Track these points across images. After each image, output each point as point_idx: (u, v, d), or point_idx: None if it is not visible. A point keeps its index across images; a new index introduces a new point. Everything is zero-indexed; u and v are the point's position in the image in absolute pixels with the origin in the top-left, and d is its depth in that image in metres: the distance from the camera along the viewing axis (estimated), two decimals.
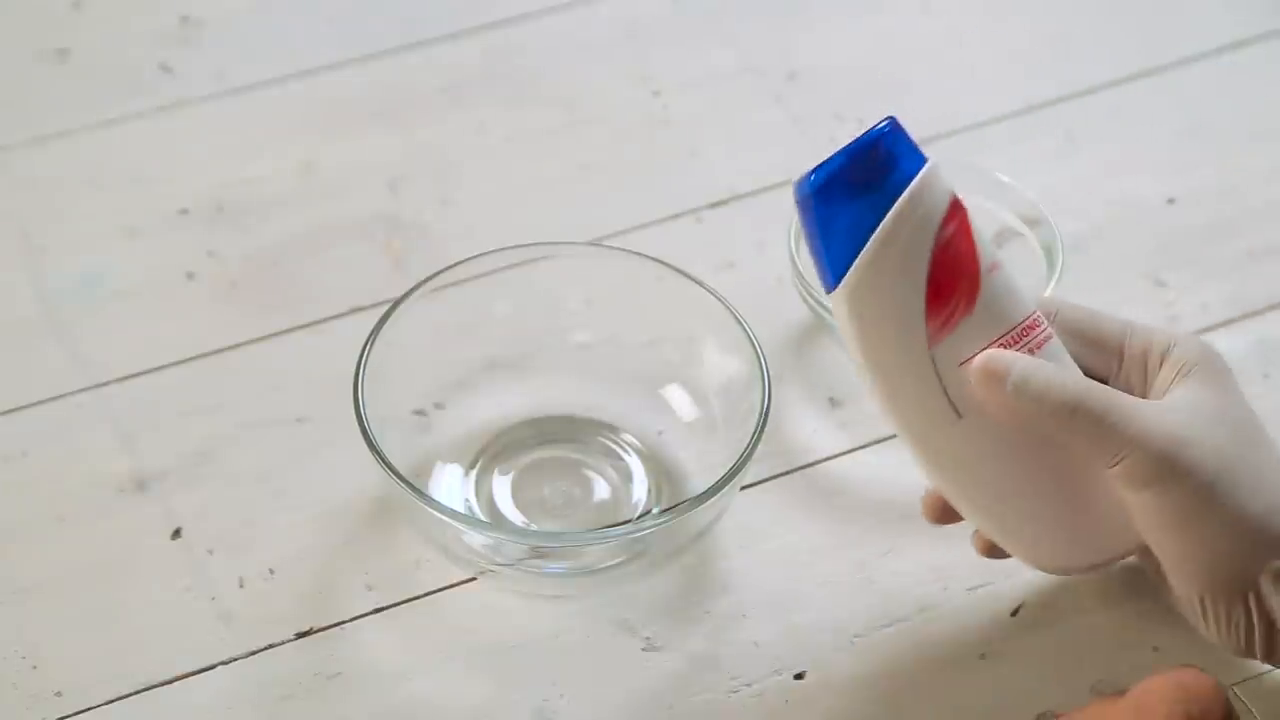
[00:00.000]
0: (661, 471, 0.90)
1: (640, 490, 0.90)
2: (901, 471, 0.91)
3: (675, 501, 0.89)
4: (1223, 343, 0.84)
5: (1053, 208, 0.96)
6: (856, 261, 0.75)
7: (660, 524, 0.83)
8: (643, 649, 0.86)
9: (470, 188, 1.04)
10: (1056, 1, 1.15)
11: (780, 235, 0.95)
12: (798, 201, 0.76)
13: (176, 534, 0.89)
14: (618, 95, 1.09)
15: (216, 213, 1.02)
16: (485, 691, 0.84)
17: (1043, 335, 0.78)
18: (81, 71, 1.08)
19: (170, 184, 1.03)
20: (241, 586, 0.87)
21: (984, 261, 0.76)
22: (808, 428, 0.93)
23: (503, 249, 0.91)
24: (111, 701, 0.83)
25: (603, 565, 0.85)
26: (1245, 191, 1.05)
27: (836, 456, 0.92)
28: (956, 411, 0.77)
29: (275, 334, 0.96)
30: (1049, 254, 0.94)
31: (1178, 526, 0.77)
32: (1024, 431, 0.77)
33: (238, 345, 0.96)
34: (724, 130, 1.07)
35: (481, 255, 0.90)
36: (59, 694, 0.83)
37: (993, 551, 0.83)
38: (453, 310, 0.90)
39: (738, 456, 0.83)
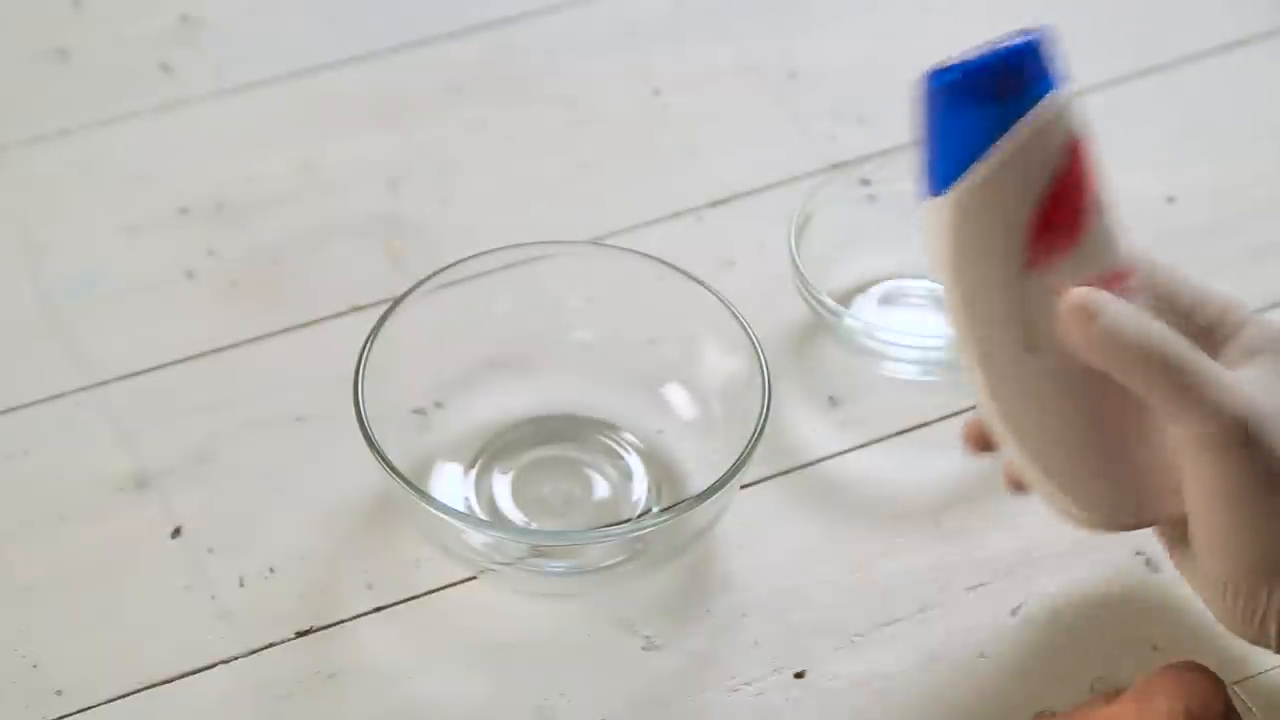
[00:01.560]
0: (661, 470, 0.90)
1: (640, 489, 0.90)
2: (901, 470, 0.92)
3: (675, 500, 0.89)
4: None
5: None
6: (972, 169, 0.72)
7: (660, 523, 0.83)
8: (643, 648, 0.86)
9: (470, 187, 1.04)
10: (1055, 0, 1.15)
11: (780, 234, 0.95)
12: (923, 93, 0.73)
13: (176, 533, 0.89)
14: (617, 94, 1.09)
15: (216, 212, 1.02)
16: (485, 690, 0.84)
17: (1129, 286, 0.76)
18: (81, 71, 1.08)
19: (170, 183, 1.03)
20: (241, 585, 0.87)
21: (1098, 199, 0.75)
22: (807, 427, 0.93)
23: (503, 248, 0.91)
24: (111, 700, 0.83)
25: (603, 564, 0.85)
26: (1245, 190, 1.05)
27: (836, 456, 0.93)
28: (1030, 344, 0.75)
29: (275, 333, 0.96)
30: None
31: (1235, 497, 0.75)
32: (1095, 377, 0.76)
33: (238, 344, 0.96)
34: (724, 129, 1.07)
35: (481, 254, 0.90)
36: (59, 693, 0.83)
37: (1019, 487, 0.82)
38: (453, 309, 0.90)
39: (737, 456, 0.83)
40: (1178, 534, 0.80)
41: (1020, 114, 0.72)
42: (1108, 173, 0.76)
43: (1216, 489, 0.76)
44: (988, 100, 0.72)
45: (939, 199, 0.74)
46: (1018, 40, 0.72)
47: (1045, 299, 0.75)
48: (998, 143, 0.72)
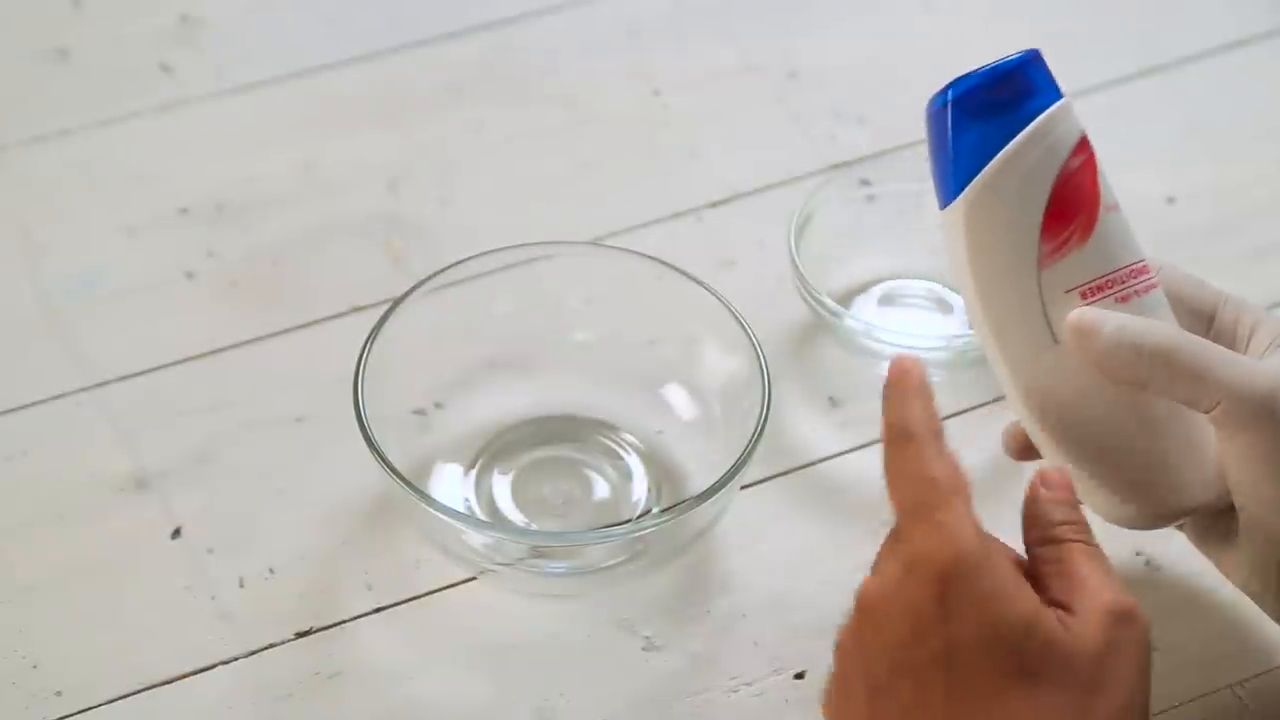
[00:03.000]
0: (661, 471, 0.90)
1: (640, 490, 0.90)
2: None
3: (675, 501, 0.89)
4: None
5: None
6: (982, 173, 0.77)
7: (660, 524, 0.83)
8: (643, 649, 0.86)
9: (470, 187, 1.04)
10: (1057, 0, 1.15)
11: (780, 235, 0.95)
12: (931, 113, 0.78)
13: (176, 533, 0.89)
14: (618, 94, 1.09)
15: (216, 212, 1.02)
16: (485, 691, 0.84)
17: (1149, 282, 0.79)
18: (81, 71, 1.08)
19: (170, 183, 1.03)
20: (241, 586, 0.87)
21: (1105, 199, 0.79)
22: (808, 427, 0.93)
23: (503, 249, 0.91)
24: (111, 701, 0.83)
25: (603, 565, 0.85)
26: (1245, 190, 1.05)
27: (836, 456, 0.92)
28: (1054, 337, 0.78)
29: (275, 333, 0.96)
30: None
31: (1275, 472, 0.76)
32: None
33: (238, 345, 0.96)
34: (724, 130, 1.07)
35: (481, 255, 0.90)
36: (59, 693, 0.83)
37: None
38: (453, 310, 0.90)
39: (738, 456, 0.83)
40: (1213, 526, 0.80)
41: (1021, 125, 0.77)
42: (1112, 173, 0.79)
43: (1249, 467, 0.76)
44: (987, 113, 0.77)
45: (951, 208, 0.78)
46: (1013, 56, 0.77)
47: (1063, 295, 0.78)
48: (1001, 151, 0.77)
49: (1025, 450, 0.83)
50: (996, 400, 0.94)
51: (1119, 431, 0.79)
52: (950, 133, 0.78)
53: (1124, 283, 0.78)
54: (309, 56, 1.09)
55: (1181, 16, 1.14)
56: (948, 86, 0.78)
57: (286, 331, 0.97)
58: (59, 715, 0.83)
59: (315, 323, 0.97)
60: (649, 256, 0.91)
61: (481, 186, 1.04)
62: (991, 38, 1.12)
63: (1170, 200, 1.04)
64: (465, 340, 0.92)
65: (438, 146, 1.05)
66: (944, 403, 0.93)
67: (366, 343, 0.86)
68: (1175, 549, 0.87)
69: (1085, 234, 0.78)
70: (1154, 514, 0.80)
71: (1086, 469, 0.80)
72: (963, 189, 0.78)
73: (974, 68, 0.77)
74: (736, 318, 0.88)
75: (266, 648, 0.85)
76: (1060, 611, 0.70)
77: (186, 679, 0.84)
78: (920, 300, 0.98)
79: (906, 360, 0.73)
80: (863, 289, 0.98)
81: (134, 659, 0.84)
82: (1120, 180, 1.05)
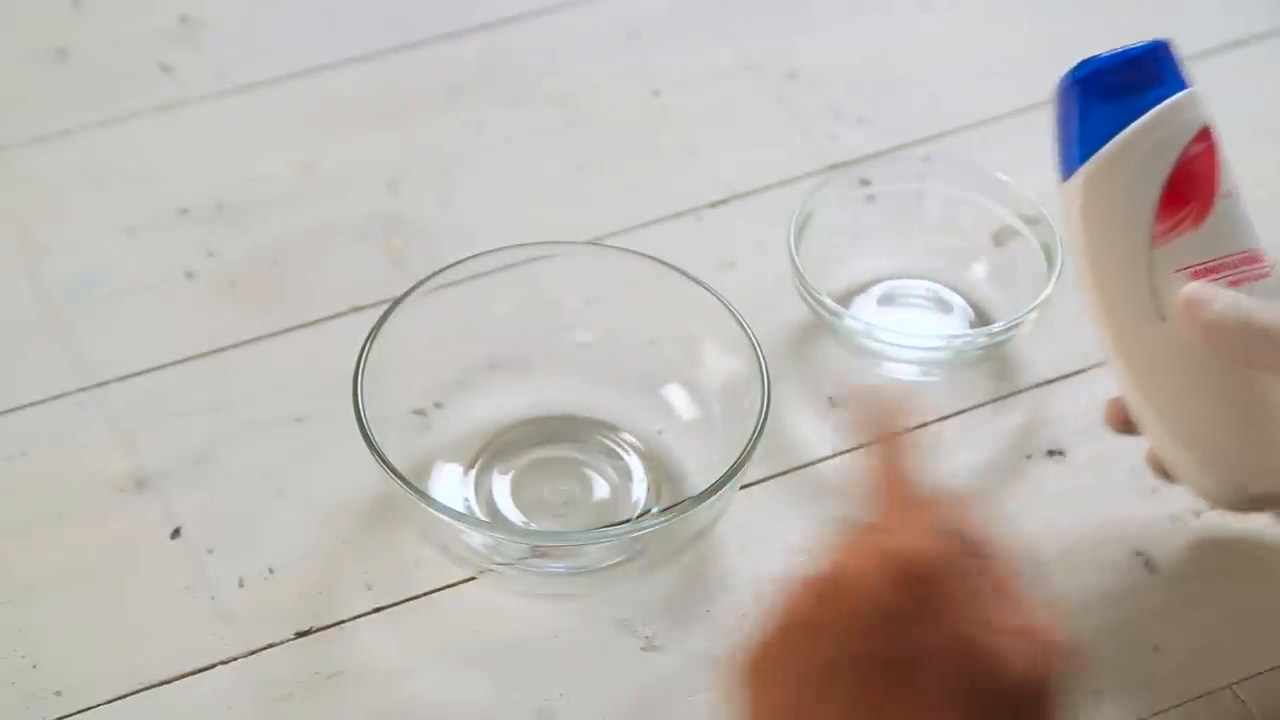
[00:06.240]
0: (661, 471, 0.90)
1: (640, 490, 0.90)
2: None
3: (675, 501, 0.89)
4: None
5: (1052, 206, 0.96)
6: (1102, 150, 0.80)
7: (660, 524, 0.83)
8: (642, 648, 0.86)
9: (470, 187, 1.04)
10: (1055, 0, 1.15)
11: (780, 235, 0.95)
12: (1060, 89, 0.81)
13: (176, 533, 0.89)
14: (617, 95, 1.09)
15: (216, 212, 1.02)
16: (485, 691, 0.84)
17: (1260, 270, 0.81)
18: (81, 71, 1.08)
19: (170, 183, 1.03)
20: (241, 586, 0.87)
21: (1222, 185, 0.81)
22: (807, 427, 0.93)
23: (503, 249, 0.91)
24: (111, 701, 0.83)
25: (603, 565, 0.85)
26: (1245, 191, 1.05)
27: (836, 456, 0.92)
28: (1160, 313, 0.80)
29: (275, 334, 0.96)
30: (1048, 252, 0.94)
31: None
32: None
33: (237, 345, 0.96)
34: (724, 130, 1.07)
35: (481, 255, 0.90)
36: (58, 693, 0.83)
37: (1163, 473, 0.84)
38: (453, 310, 0.90)
39: (737, 456, 0.83)
40: None
41: (1143, 109, 0.80)
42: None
43: None
44: (1119, 93, 0.80)
45: (1070, 181, 0.81)
46: (1143, 43, 0.81)
47: (1173, 273, 0.80)
48: (1122, 132, 0.80)
49: (1125, 423, 0.84)
50: (996, 400, 0.94)
51: (1220, 409, 0.80)
52: (1075, 110, 0.81)
53: (1235, 268, 0.80)
54: (309, 56, 1.09)
55: (1181, 16, 1.14)
56: (1077, 65, 0.80)
57: (286, 331, 0.97)
58: (59, 715, 0.83)
59: (315, 323, 0.97)
60: (649, 256, 0.91)
61: (481, 186, 1.04)
62: (990, 37, 1.12)
63: None
64: (465, 340, 0.92)
65: (438, 146, 1.05)
66: (943, 403, 0.94)
67: (366, 343, 0.86)
68: (1175, 549, 0.88)
69: (1200, 218, 0.80)
70: (1253, 494, 0.81)
71: (1185, 445, 0.81)
72: (1083, 164, 0.80)
73: (1105, 50, 0.81)
74: (736, 318, 0.88)
75: (266, 648, 0.85)
76: (1014, 639, 0.66)
77: (186, 679, 0.84)
78: (920, 300, 0.98)
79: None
80: (862, 289, 0.98)
81: (134, 659, 0.84)
82: None
